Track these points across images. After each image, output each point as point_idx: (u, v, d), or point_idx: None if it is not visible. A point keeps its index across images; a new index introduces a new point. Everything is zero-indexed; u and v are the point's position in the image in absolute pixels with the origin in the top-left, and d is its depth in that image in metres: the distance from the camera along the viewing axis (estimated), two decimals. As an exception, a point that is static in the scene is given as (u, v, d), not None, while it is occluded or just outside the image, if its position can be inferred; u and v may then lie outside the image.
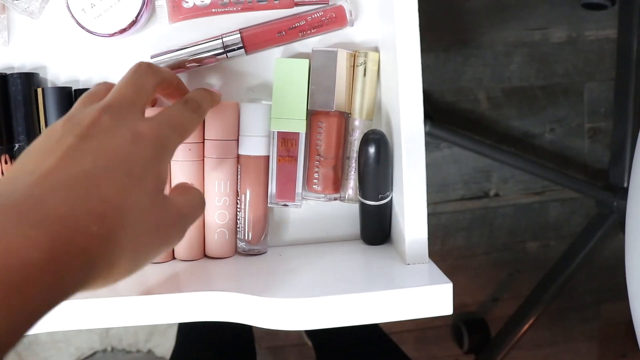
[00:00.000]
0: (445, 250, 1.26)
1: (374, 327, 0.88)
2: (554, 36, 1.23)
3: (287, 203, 0.47)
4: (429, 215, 1.24)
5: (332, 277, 0.42)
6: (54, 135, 0.33)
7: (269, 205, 0.47)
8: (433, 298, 0.38)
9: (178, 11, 0.48)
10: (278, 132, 0.46)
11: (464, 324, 1.27)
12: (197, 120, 0.40)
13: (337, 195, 0.48)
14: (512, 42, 1.22)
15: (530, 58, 1.23)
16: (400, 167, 0.42)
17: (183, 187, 0.39)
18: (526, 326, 1.20)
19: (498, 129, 1.24)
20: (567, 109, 1.26)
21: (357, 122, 0.47)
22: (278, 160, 0.46)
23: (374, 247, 0.48)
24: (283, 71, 0.46)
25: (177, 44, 0.48)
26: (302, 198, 0.47)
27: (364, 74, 0.46)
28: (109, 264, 0.30)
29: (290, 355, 1.27)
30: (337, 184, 0.47)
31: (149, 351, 1.27)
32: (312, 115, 0.46)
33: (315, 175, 0.46)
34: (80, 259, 0.28)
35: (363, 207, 0.46)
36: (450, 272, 1.25)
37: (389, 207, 0.45)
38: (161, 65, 0.47)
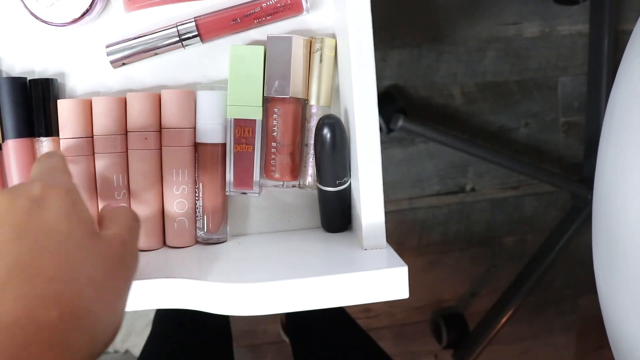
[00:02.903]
0: (422, 245, 1.26)
1: (351, 322, 0.88)
2: (527, 31, 1.24)
3: (245, 191, 0.46)
4: (405, 210, 1.24)
5: (288, 263, 0.42)
6: None
7: (227, 193, 0.47)
8: (388, 282, 0.38)
9: (133, 0, 0.48)
10: (234, 119, 0.45)
11: (443, 319, 1.27)
12: (64, 160, 0.39)
13: (295, 183, 0.47)
14: (486, 37, 1.22)
15: (504, 53, 1.23)
16: (355, 152, 0.42)
17: (109, 213, 0.37)
18: (504, 320, 1.21)
19: (473, 124, 1.24)
20: (542, 104, 1.27)
21: (314, 109, 0.47)
22: (235, 148, 0.46)
23: (334, 235, 0.48)
24: (238, 58, 0.45)
25: (133, 34, 0.48)
26: (261, 185, 0.47)
27: (320, 60, 0.46)
28: (90, 333, 0.29)
29: (268, 353, 1.26)
30: (295, 171, 0.47)
31: (127, 351, 1.25)
32: (268, 102, 0.46)
33: (272, 162, 0.46)
34: (56, 350, 0.26)
35: (321, 193, 0.45)
36: (427, 267, 1.26)
37: (347, 193, 0.45)
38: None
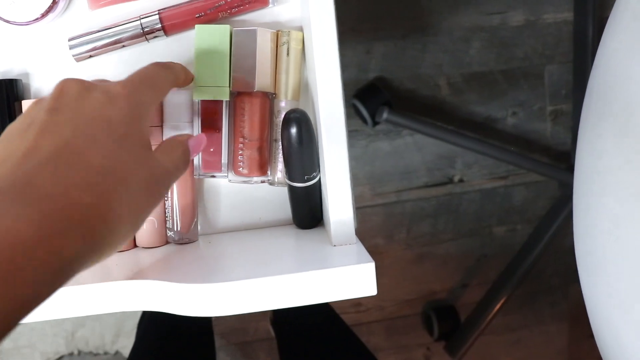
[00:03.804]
0: (411, 238, 1.25)
1: (336, 318, 0.88)
2: (512, 20, 1.23)
3: (214, 174, 0.46)
4: (394, 203, 1.24)
5: (256, 262, 0.41)
6: (26, 116, 0.33)
7: (195, 177, 0.46)
8: (355, 278, 0.37)
9: (97, -4, 0.47)
10: (201, 101, 0.45)
11: (434, 311, 1.26)
12: (171, 77, 0.39)
13: (264, 178, 0.46)
14: (470, 27, 1.21)
15: (489, 43, 1.23)
16: (322, 148, 0.41)
17: (167, 145, 0.38)
18: (495, 310, 1.20)
19: (460, 115, 1.24)
20: (528, 92, 1.26)
21: (283, 103, 0.46)
22: (202, 131, 0.45)
23: (306, 231, 0.47)
24: (204, 38, 0.44)
25: (97, 27, 0.47)
26: (229, 181, 0.46)
27: (288, 54, 0.45)
28: (109, 230, 0.30)
29: (259, 351, 1.26)
30: (264, 167, 0.46)
31: (117, 353, 1.25)
32: (235, 97, 0.45)
33: (240, 157, 0.45)
34: (77, 232, 0.28)
35: (291, 189, 0.45)
36: (417, 260, 1.25)
37: (317, 188, 0.44)
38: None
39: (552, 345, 1.36)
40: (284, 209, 0.49)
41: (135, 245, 0.48)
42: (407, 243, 1.25)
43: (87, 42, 0.46)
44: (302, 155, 0.42)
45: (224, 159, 0.45)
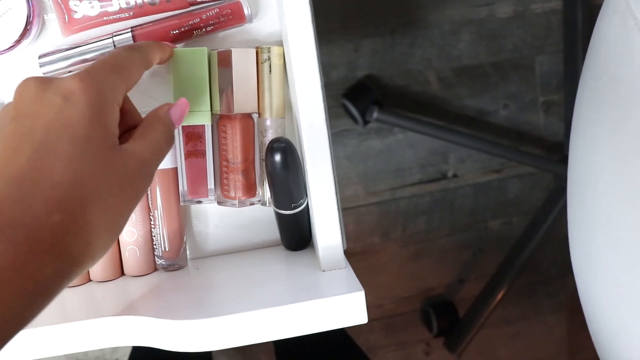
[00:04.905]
0: (407, 235, 1.24)
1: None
2: (500, 11, 1.21)
3: (201, 199, 0.45)
4: (388, 201, 1.23)
5: (247, 292, 0.40)
6: None
7: (181, 203, 0.45)
8: (345, 307, 0.36)
9: (70, 24, 0.45)
10: (182, 126, 0.43)
11: (432, 307, 1.26)
12: (139, 58, 0.37)
13: (252, 200, 0.45)
14: (458, 20, 1.20)
15: (478, 35, 1.21)
16: (306, 172, 0.39)
17: (144, 128, 0.36)
18: (493, 304, 1.20)
19: (451, 109, 1.22)
20: (520, 84, 1.25)
21: (268, 122, 0.44)
22: (186, 157, 0.44)
23: (295, 253, 0.46)
24: (180, 62, 0.43)
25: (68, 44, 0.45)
26: (218, 203, 0.45)
27: (270, 71, 0.44)
28: (86, 243, 0.29)
29: (259, 353, 1.25)
30: (251, 189, 0.45)
31: (116, 362, 1.24)
32: (217, 120, 0.44)
33: (226, 181, 0.44)
34: (51, 253, 0.27)
35: (278, 216, 0.43)
36: (413, 257, 1.24)
37: (305, 212, 0.43)
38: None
39: (551, 336, 1.36)
40: (273, 230, 0.48)
41: (122, 274, 0.47)
42: (403, 240, 1.24)
43: (58, 60, 0.44)
44: (289, 184, 0.40)
45: (210, 184, 0.44)
